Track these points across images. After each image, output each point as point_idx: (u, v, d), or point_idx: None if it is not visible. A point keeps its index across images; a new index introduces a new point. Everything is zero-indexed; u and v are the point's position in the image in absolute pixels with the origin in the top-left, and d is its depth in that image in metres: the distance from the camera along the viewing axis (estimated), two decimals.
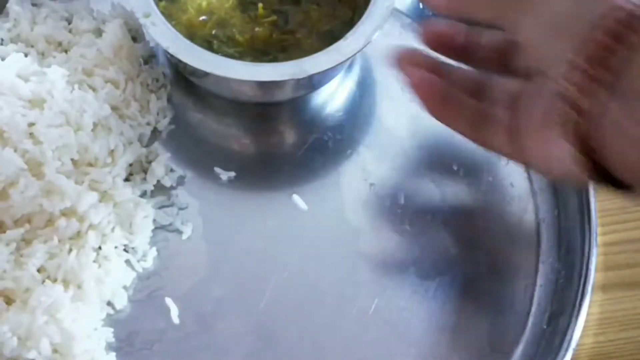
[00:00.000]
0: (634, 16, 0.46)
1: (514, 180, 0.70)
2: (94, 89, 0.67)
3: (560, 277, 0.66)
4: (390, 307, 0.65)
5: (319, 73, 0.65)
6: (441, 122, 0.61)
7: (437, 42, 0.62)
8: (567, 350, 0.61)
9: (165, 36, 0.65)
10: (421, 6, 0.78)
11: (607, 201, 0.69)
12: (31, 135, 0.63)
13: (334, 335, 0.64)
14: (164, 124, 0.71)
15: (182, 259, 0.66)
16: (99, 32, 0.71)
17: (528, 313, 0.65)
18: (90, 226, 0.62)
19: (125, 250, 0.65)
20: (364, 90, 0.75)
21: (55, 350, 0.59)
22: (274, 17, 0.71)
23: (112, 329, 0.62)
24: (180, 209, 0.68)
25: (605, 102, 0.46)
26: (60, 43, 0.71)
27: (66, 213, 0.62)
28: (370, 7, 0.67)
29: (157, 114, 0.70)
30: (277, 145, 0.73)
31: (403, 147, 0.72)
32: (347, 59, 0.66)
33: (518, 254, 0.68)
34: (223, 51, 0.68)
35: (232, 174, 0.69)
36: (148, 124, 0.70)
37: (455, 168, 0.71)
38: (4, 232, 0.60)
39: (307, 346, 0.63)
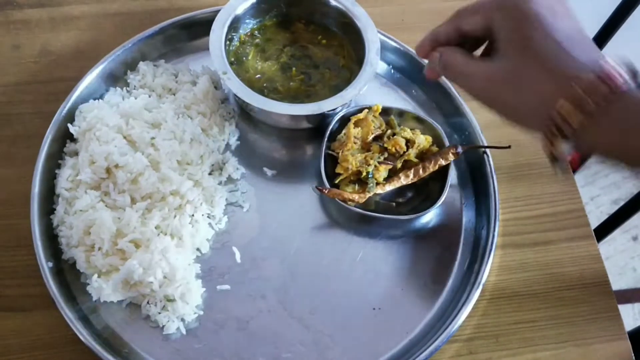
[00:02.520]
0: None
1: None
2: (191, 118, 0.69)
3: (475, 239, 0.68)
4: (370, 256, 0.66)
5: (328, 111, 0.68)
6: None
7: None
8: (479, 284, 0.63)
9: (235, 86, 0.67)
10: (392, 72, 0.78)
11: (505, 193, 0.70)
12: (152, 145, 0.65)
13: (334, 273, 0.65)
14: (233, 140, 0.72)
15: (243, 224, 0.67)
16: (194, 83, 0.72)
17: (455, 261, 0.67)
18: (187, 201, 0.64)
19: (208, 216, 0.66)
20: None
21: (164, 277, 0.61)
22: (302, 77, 0.73)
23: (199, 265, 0.64)
24: (242, 192, 0.69)
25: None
26: (170, 89, 0.72)
27: (173, 193, 0.64)
28: (361, 72, 0.69)
29: (229, 134, 0.72)
30: (301, 155, 0.73)
31: None
32: (346, 102, 0.68)
33: (449, 225, 0.69)
34: (270, 96, 0.70)
35: (274, 171, 0.71)
36: (223, 140, 0.71)
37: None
38: (135, 203, 0.63)
39: (317, 279, 0.65)
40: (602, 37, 0.94)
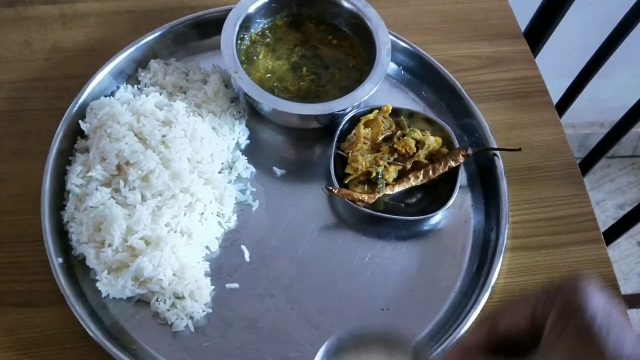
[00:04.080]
0: None
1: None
2: (201, 116, 0.69)
3: (484, 241, 0.67)
4: (379, 257, 0.66)
5: (338, 111, 0.68)
6: None
7: None
8: (488, 286, 0.63)
9: (246, 85, 0.67)
10: (402, 72, 0.78)
11: (515, 196, 0.70)
12: (163, 142, 0.65)
13: (343, 273, 0.65)
14: (243, 139, 0.72)
15: (252, 222, 0.67)
16: (205, 81, 0.72)
17: (463, 263, 0.66)
18: (198, 199, 0.64)
19: (217, 215, 0.66)
20: None
21: (174, 274, 0.61)
22: (312, 77, 0.73)
23: (208, 263, 0.64)
24: (252, 191, 0.69)
25: None
26: (181, 87, 0.72)
27: (183, 191, 0.64)
28: (372, 72, 0.69)
29: (239, 133, 0.71)
30: (311, 154, 0.73)
31: None
32: (357, 104, 0.69)
33: (459, 227, 0.68)
34: (281, 96, 0.70)
35: (283, 171, 0.71)
36: (233, 139, 0.71)
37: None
38: (146, 201, 0.63)
39: (326, 279, 0.64)
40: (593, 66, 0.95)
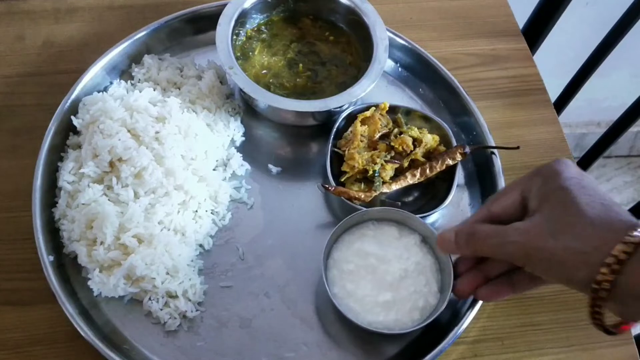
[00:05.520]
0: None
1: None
2: (196, 113, 0.68)
3: None
4: None
5: (335, 108, 0.67)
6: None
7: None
8: None
9: (241, 81, 0.66)
10: (399, 70, 0.78)
11: None
12: (157, 139, 0.64)
13: None
14: (238, 136, 0.71)
15: (247, 220, 0.66)
16: (199, 77, 0.71)
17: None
18: (191, 197, 0.63)
19: (212, 212, 0.66)
20: None
21: (167, 272, 0.60)
22: (309, 73, 0.72)
23: (202, 261, 0.63)
24: (247, 189, 0.68)
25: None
26: (175, 83, 0.71)
27: (177, 188, 0.63)
28: (369, 69, 0.68)
29: (234, 130, 0.70)
30: (307, 152, 0.72)
31: None
32: (354, 101, 0.68)
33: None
34: (276, 92, 0.69)
35: (279, 169, 0.70)
36: (228, 135, 0.70)
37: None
38: (139, 198, 0.61)
39: (322, 279, 0.60)
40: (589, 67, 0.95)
